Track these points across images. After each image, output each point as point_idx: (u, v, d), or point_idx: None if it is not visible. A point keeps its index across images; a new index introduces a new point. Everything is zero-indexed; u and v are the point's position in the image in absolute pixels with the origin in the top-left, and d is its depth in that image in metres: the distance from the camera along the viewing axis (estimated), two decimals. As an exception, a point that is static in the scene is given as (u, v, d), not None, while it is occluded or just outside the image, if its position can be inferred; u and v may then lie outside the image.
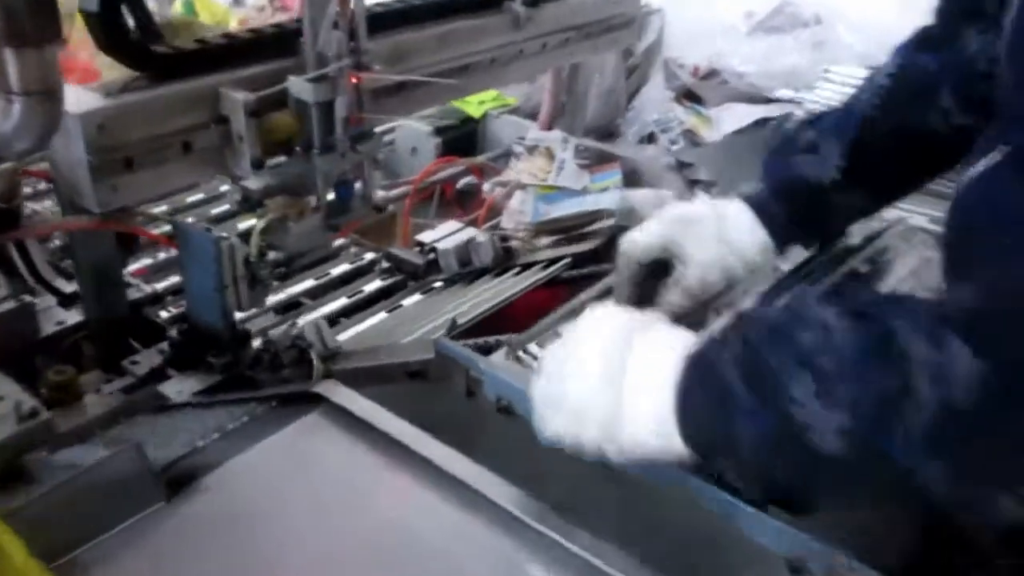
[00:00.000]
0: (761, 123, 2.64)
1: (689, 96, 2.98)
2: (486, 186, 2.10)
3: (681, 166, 2.67)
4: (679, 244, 0.88)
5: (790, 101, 2.40)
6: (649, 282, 0.91)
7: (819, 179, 0.89)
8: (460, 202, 2.22)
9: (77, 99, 0.97)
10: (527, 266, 1.31)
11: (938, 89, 0.85)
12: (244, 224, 1.57)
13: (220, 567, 0.65)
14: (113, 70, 1.10)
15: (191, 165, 1.12)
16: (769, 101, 2.72)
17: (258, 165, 1.14)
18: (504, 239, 1.37)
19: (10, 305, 1.18)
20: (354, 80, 1.18)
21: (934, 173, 0.94)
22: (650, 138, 2.97)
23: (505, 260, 1.34)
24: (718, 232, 0.88)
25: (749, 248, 0.89)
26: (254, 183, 1.08)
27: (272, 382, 1.11)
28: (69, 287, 1.30)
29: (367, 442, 0.77)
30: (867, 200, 0.95)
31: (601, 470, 0.82)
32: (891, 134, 0.88)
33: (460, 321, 1.02)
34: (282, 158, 1.19)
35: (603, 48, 1.88)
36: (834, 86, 2.17)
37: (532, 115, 2.52)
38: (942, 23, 0.90)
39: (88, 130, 0.98)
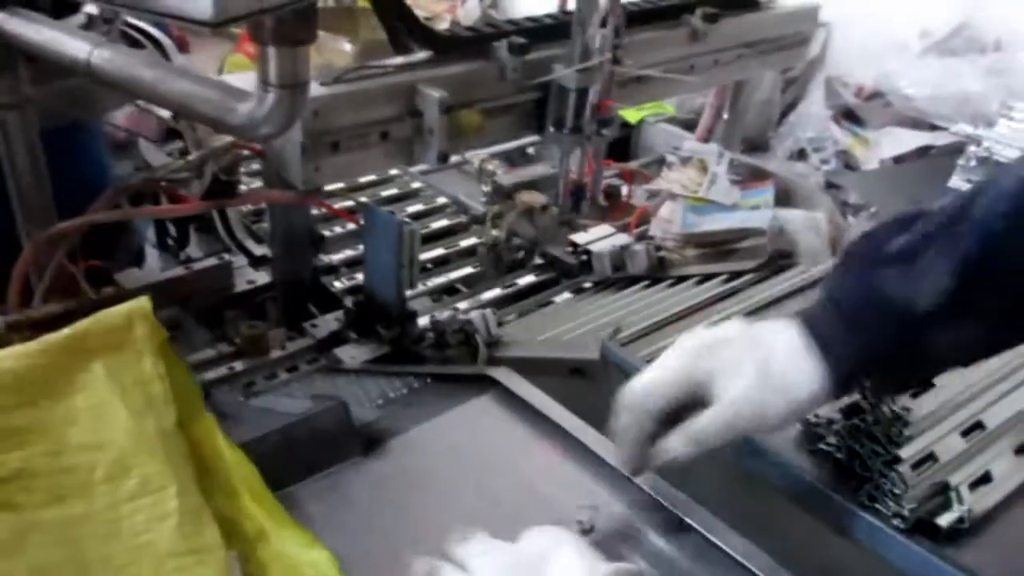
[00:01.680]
0: (924, 151, 2.56)
1: (849, 116, 2.91)
2: (638, 192, 2.14)
3: (830, 187, 2.62)
4: (706, 378, 0.67)
5: (966, 137, 2.30)
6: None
7: (912, 302, 0.65)
8: (609, 203, 2.28)
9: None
10: (680, 279, 1.35)
11: None
12: (412, 208, 1.70)
13: (397, 520, 0.73)
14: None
15: (387, 152, 1.22)
16: (935, 128, 2.63)
17: (443, 159, 1.23)
18: (658, 248, 1.41)
19: (212, 262, 1.32)
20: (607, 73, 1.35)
21: None
22: (800, 155, 2.93)
23: (658, 270, 1.39)
24: (758, 361, 0.66)
25: (798, 386, 0.66)
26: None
27: (435, 360, 1.20)
28: (259, 250, 1.44)
29: (533, 425, 0.84)
30: (979, 340, 0.69)
31: (745, 483, 0.87)
32: (1018, 255, 0.64)
33: (623, 331, 1.07)
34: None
35: (774, 65, 1.88)
36: (1016, 124, 2.07)
37: (686, 124, 2.54)
38: None
39: (305, 115, 1.09)
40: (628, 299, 1.28)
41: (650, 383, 0.69)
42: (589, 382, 0.98)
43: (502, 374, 0.88)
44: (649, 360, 1.00)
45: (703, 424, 0.66)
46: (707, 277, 1.35)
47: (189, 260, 1.36)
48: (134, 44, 1.42)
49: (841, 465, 0.80)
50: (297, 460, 0.75)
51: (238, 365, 1.19)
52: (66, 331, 0.65)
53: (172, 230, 1.65)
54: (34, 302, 1.20)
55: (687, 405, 0.68)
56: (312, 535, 0.66)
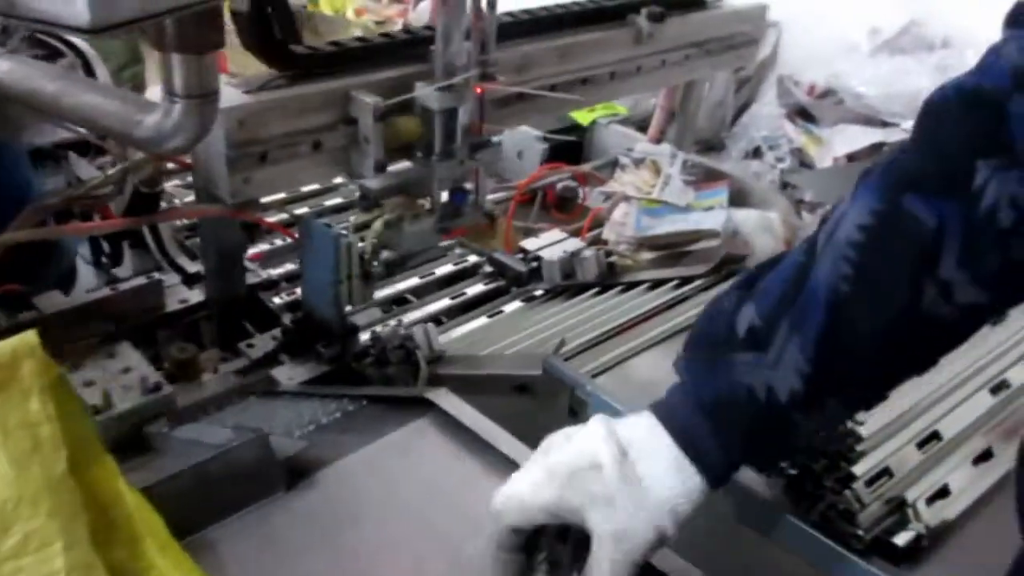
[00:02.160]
0: (876, 148, 2.56)
1: (802, 114, 2.91)
2: (592, 196, 2.11)
3: (785, 186, 2.61)
4: (578, 509, 0.61)
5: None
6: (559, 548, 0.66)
7: (773, 393, 0.60)
8: (560, 207, 2.24)
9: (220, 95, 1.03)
10: (631, 285, 1.31)
11: (938, 255, 0.55)
12: (356, 218, 1.63)
13: (328, 560, 0.68)
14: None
15: (319, 163, 1.16)
16: (887, 125, 2.64)
17: (380, 168, 1.18)
18: (608, 254, 1.37)
19: (140, 281, 1.25)
20: (479, 90, 1.21)
21: (934, 362, 0.63)
22: (756, 153, 2.92)
23: (608, 276, 1.35)
24: (633, 495, 0.61)
25: (681, 507, 0.62)
26: (374, 183, 1.13)
27: (376, 378, 1.15)
28: (192, 267, 1.37)
29: (473, 451, 0.79)
30: (840, 412, 0.67)
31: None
32: (870, 320, 0.57)
33: (569, 343, 1.03)
34: (405, 163, 1.24)
35: (722, 66, 1.86)
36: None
37: (640, 125, 2.51)
38: (941, 156, 0.57)
39: (229, 125, 1.04)
40: (577, 308, 1.24)
41: (515, 504, 0.63)
42: (534, 398, 0.94)
43: (440, 396, 0.83)
44: (595, 375, 0.97)
45: (600, 563, 0.61)
46: (658, 283, 1.31)
47: (116, 280, 1.29)
48: (53, 55, 1.35)
49: (793, 483, 0.77)
50: (214, 499, 0.69)
51: (167, 390, 1.13)
52: (-60, 372, 0.58)
53: (106, 247, 1.57)
54: (-57, 330, 1.13)
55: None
56: (224, 586, 0.61)
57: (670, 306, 1.20)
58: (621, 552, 0.60)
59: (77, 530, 0.58)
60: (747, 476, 0.75)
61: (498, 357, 1.05)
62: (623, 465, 0.62)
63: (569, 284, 1.37)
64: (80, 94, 0.82)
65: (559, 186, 2.18)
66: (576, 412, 0.89)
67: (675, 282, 1.32)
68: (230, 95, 1.06)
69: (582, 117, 2.29)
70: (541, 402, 0.93)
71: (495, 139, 1.29)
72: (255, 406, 1.12)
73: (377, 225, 1.13)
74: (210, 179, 1.11)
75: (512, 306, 1.41)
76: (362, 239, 1.14)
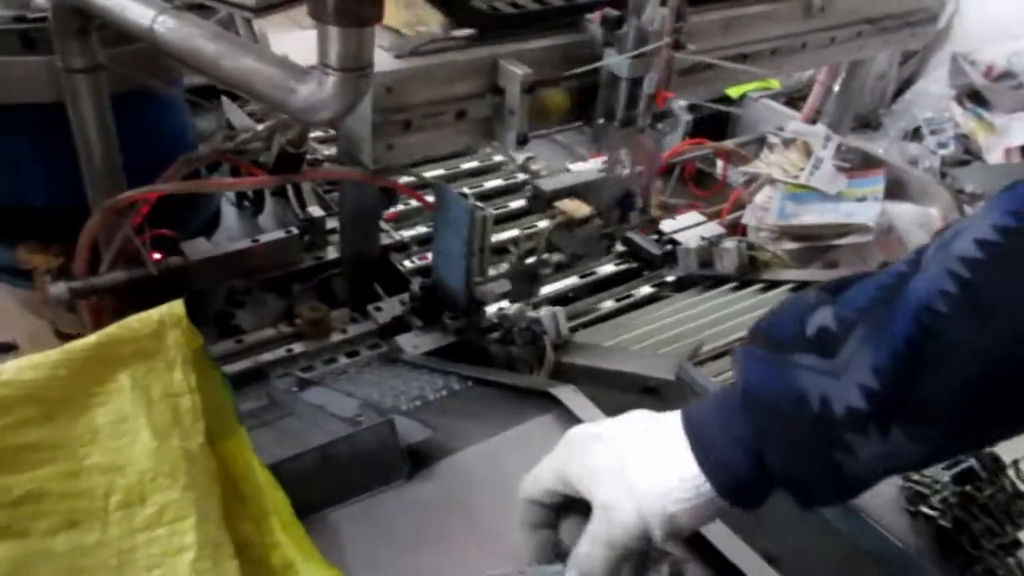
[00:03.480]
0: (1058, 142, 2.32)
1: (973, 97, 2.67)
2: (733, 174, 2.01)
3: (944, 176, 2.41)
4: (578, 480, 0.58)
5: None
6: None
7: (828, 404, 0.50)
8: (698, 183, 2.15)
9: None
10: (772, 283, 1.23)
11: None
12: (491, 183, 1.62)
13: (440, 553, 0.67)
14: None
15: (461, 132, 1.14)
16: (1074, 117, 2.39)
17: (523, 140, 1.15)
18: (750, 247, 1.30)
19: (279, 235, 1.28)
20: (665, 59, 1.18)
21: None
22: (915, 134, 2.71)
23: (749, 271, 1.27)
24: (616, 469, 0.56)
25: (666, 491, 0.55)
26: (547, 184, 1.14)
27: (500, 356, 1.13)
28: (330, 222, 1.39)
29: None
30: (909, 449, 0.51)
31: (830, 539, 0.77)
32: (966, 349, 0.48)
33: (705, 346, 0.97)
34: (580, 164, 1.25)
35: (896, 44, 1.71)
36: None
37: (792, 100, 2.37)
38: None
39: (377, 91, 1.02)
40: (712, 303, 1.18)
41: (531, 477, 0.62)
42: (662, 402, 0.90)
43: (567, 394, 0.80)
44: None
45: (590, 530, 0.57)
46: (802, 285, 1.22)
47: (258, 232, 1.32)
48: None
49: (945, 535, 0.70)
50: (336, 482, 0.70)
51: (297, 347, 1.15)
52: (92, 338, 0.60)
53: (250, 192, 1.62)
54: (100, 270, 1.19)
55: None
56: (339, 573, 0.61)
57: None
58: (605, 526, 0.56)
59: (210, 505, 0.59)
60: (896, 524, 0.69)
61: (627, 353, 1.01)
62: (622, 440, 0.58)
63: (705, 275, 1.31)
64: (238, 57, 0.82)
65: (700, 161, 2.10)
66: (707, 422, 0.85)
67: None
68: (381, 60, 1.04)
69: (732, 89, 2.17)
70: (669, 407, 0.88)
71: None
72: (374, 371, 1.12)
73: (549, 227, 1.14)
74: (353, 143, 1.11)
75: (642, 290, 1.36)
76: (530, 239, 1.16)
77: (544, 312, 1.08)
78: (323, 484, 0.69)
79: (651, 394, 0.90)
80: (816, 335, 0.52)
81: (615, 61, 1.15)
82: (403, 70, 1.05)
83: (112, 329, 0.61)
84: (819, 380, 0.51)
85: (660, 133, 1.26)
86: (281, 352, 1.14)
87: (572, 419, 0.80)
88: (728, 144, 2.00)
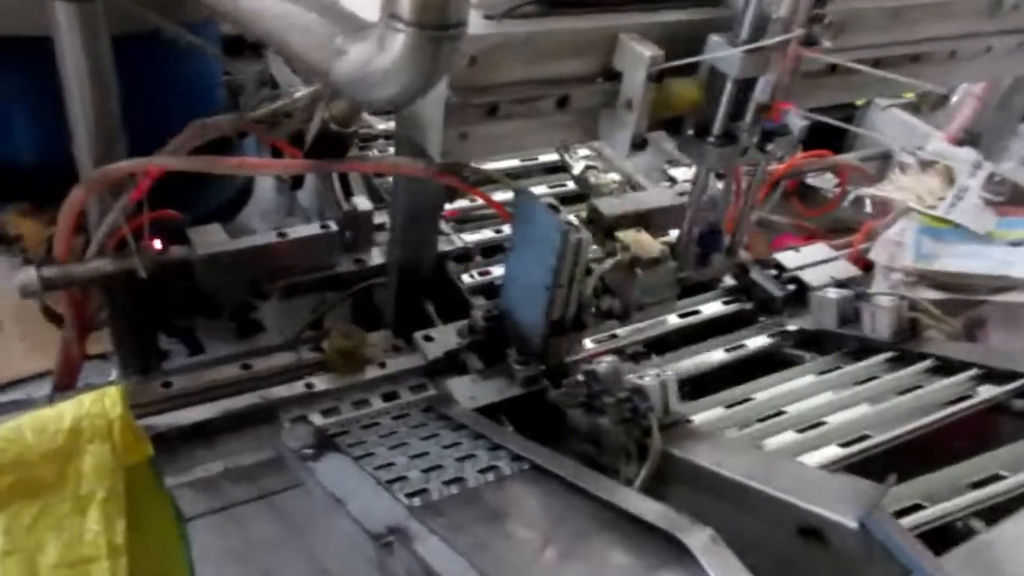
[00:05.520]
0: None
1: None
2: (850, 196, 1.70)
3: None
4: None
5: None
6: None
7: None
8: (803, 198, 1.85)
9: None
10: (946, 364, 0.91)
11: None
12: (573, 185, 1.33)
13: None
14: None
15: (559, 126, 0.86)
16: None
17: (640, 144, 0.87)
18: (913, 307, 1.00)
19: (312, 231, 1.01)
20: (793, 58, 0.87)
21: None
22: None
23: (908, 338, 0.98)
24: None
25: None
26: (607, 207, 0.85)
27: (583, 427, 0.86)
28: (378, 217, 1.12)
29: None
30: None
31: None
32: None
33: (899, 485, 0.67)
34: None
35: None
36: None
37: (916, 104, 2.04)
38: None
39: (457, 62, 0.75)
40: (872, 386, 0.89)
41: None
42: (829, 554, 0.61)
43: (702, 543, 0.53)
44: (928, 535, 0.62)
45: None
46: (987, 371, 0.91)
47: (297, 209, 1.07)
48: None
49: None
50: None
51: (320, 382, 0.89)
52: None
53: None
54: (87, 255, 0.95)
55: None
56: None
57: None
58: None
59: None
60: None
61: (775, 461, 0.73)
62: None
63: (847, 335, 1.02)
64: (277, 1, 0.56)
65: (809, 176, 1.80)
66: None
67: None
68: (464, 19, 0.77)
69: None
70: (839, 563, 0.61)
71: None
72: (412, 427, 0.87)
73: (604, 267, 0.85)
74: (417, 127, 0.83)
75: (757, 341, 1.08)
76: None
77: (649, 380, 0.80)
78: None
79: (813, 539, 0.62)
80: None
81: (721, 51, 0.84)
82: (494, 36, 0.78)
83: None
84: None
85: (768, 156, 0.95)
86: (299, 387, 0.88)
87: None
88: (850, 159, 1.69)
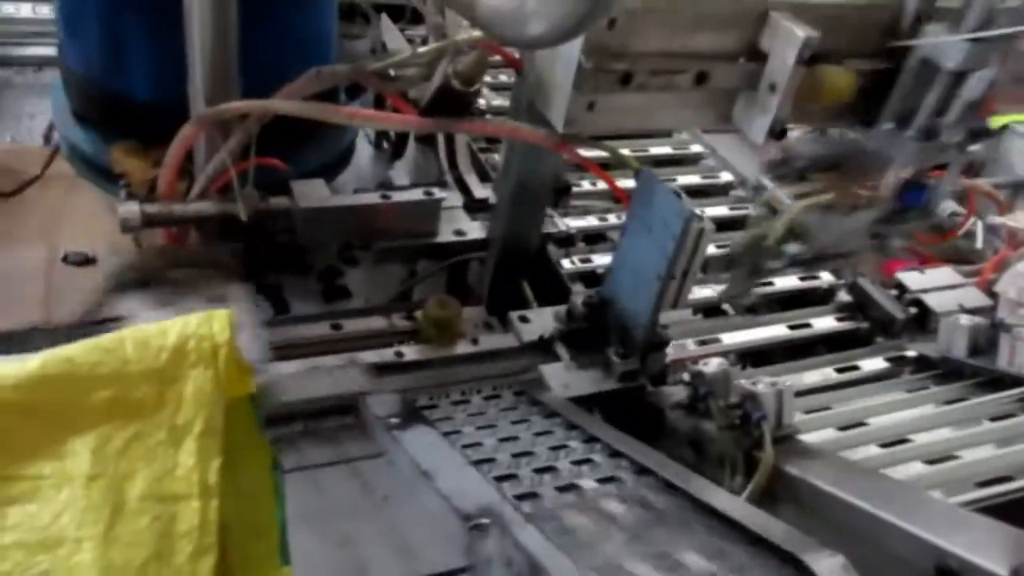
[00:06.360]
0: None
1: None
2: (977, 224, 1.59)
3: None
4: None
5: None
6: None
7: None
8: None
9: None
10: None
11: None
12: (685, 179, 1.26)
13: None
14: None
15: (692, 104, 0.81)
16: None
17: (778, 133, 0.80)
18: (1059, 343, 0.91)
19: (415, 196, 0.98)
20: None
21: None
22: None
23: (1052, 376, 0.89)
24: None
25: None
26: (804, 147, 0.81)
27: (684, 429, 0.80)
28: (481, 191, 1.08)
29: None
30: None
31: None
32: None
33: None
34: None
35: None
36: None
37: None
38: None
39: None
40: (1015, 430, 0.80)
41: None
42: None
43: (830, 569, 0.47)
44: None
45: None
46: None
47: (388, 186, 1.03)
48: None
49: None
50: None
51: (409, 352, 0.85)
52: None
53: (392, 132, 1.34)
54: (190, 195, 0.93)
55: None
56: None
57: None
58: None
59: None
60: None
61: (904, 491, 0.65)
62: None
63: (977, 367, 0.93)
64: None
65: (923, 198, 1.68)
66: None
67: None
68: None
69: (993, 118, 1.73)
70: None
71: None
72: (500, 409, 0.82)
73: (796, 207, 0.78)
74: (541, 92, 0.79)
75: (872, 363, 1.00)
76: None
77: (764, 387, 0.74)
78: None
79: (950, 580, 0.55)
80: None
81: (940, 42, 0.78)
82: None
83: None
84: None
85: (966, 157, 0.88)
86: (389, 355, 0.84)
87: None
88: (983, 184, 1.57)
